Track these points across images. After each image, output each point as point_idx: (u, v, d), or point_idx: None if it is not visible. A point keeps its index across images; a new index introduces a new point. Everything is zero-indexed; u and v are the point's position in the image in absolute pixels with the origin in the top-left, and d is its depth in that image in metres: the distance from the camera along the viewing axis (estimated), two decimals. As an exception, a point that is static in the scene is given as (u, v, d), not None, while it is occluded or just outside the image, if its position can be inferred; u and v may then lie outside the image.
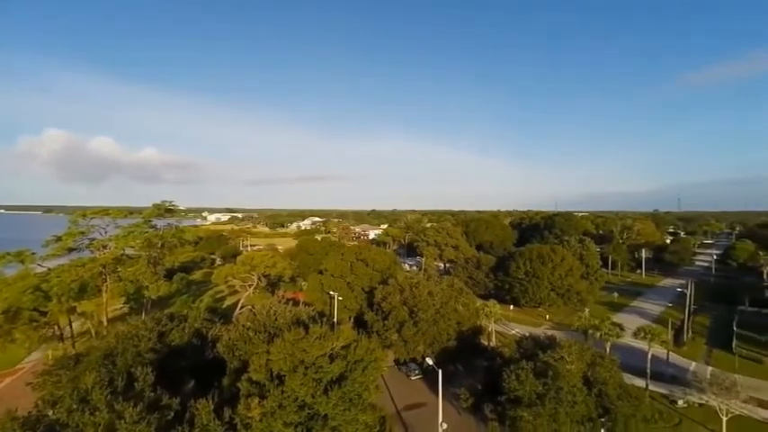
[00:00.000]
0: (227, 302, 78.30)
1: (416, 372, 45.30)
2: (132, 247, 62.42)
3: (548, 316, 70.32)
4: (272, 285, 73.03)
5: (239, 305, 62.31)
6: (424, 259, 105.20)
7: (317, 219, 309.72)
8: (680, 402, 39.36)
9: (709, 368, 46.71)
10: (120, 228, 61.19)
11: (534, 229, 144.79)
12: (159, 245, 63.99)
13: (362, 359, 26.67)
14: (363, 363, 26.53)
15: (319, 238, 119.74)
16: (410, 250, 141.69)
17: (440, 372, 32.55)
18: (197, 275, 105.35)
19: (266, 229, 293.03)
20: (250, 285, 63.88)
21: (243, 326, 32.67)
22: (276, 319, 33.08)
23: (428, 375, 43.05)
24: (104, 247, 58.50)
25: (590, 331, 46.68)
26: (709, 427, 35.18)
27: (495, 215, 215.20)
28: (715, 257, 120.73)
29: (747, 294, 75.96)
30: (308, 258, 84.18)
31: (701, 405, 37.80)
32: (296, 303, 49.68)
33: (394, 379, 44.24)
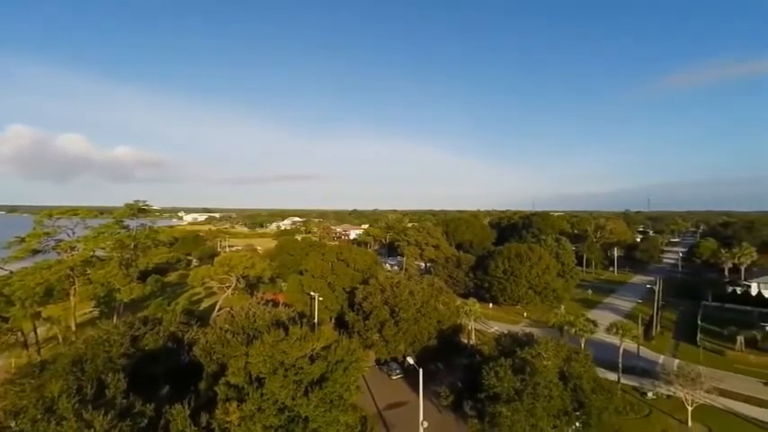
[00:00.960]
0: (205, 304, 76.41)
1: (397, 371, 45.48)
2: (103, 248, 60.01)
3: (525, 313, 71.94)
4: (252, 286, 71.83)
5: (217, 307, 60.92)
6: (404, 259, 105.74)
7: (297, 219, 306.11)
8: (649, 394, 41.08)
9: (676, 361, 48.92)
10: (90, 228, 58.73)
11: (513, 228, 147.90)
12: (132, 246, 61.79)
13: (343, 360, 26.57)
14: (344, 363, 26.44)
15: (299, 239, 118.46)
16: (391, 250, 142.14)
17: (420, 371, 32.81)
18: (172, 277, 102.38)
19: (245, 230, 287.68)
20: (228, 287, 62.54)
21: (221, 328, 31.96)
22: (255, 321, 32.51)
23: (409, 374, 43.29)
24: (72, 248, 55.98)
25: (566, 328, 48.10)
26: (675, 416, 36.88)
27: (475, 215, 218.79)
28: (681, 255, 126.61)
29: (710, 290, 79.93)
30: (288, 259, 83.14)
31: (668, 396, 39.60)
32: (275, 304, 48.95)
33: (375, 379, 44.27)
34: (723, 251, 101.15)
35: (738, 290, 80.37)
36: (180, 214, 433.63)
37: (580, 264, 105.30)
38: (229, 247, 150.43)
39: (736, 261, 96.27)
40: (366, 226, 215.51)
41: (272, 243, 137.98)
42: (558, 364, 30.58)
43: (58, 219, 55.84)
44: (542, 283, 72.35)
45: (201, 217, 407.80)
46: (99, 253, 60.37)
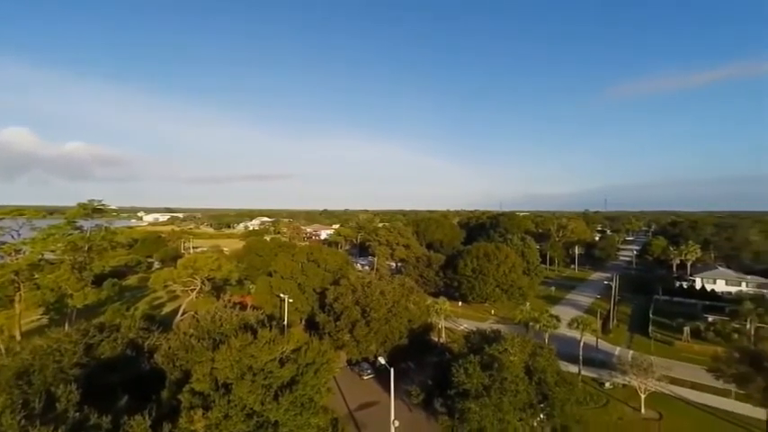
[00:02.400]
0: (167, 309, 73.09)
1: (369, 371, 45.47)
2: (53, 251, 55.97)
3: (493, 311, 74.00)
4: (218, 289, 69.24)
5: (180, 311, 58.43)
6: (376, 259, 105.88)
7: (266, 219, 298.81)
8: (607, 384, 43.48)
9: (631, 352, 52.08)
10: (38, 230, 54.61)
11: (481, 228, 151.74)
12: (86, 248, 58.04)
13: (314, 362, 26.25)
14: (315, 365, 26.12)
15: (268, 239, 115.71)
16: (362, 250, 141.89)
17: (392, 370, 32.98)
18: (132, 281, 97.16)
19: (211, 230, 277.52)
20: (192, 290, 60.10)
21: (184, 333, 30.65)
22: (222, 325, 31.44)
23: (380, 374, 43.40)
24: (17, 251, 51.88)
25: (531, 324, 50.08)
26: (630, 404, 39.25)
27: (445, 215, 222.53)
28: (635, 253, 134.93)
29: (661, 285, 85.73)
30: (257, 260, 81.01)
31: (624, 385, 42.08)
32: (243, 307, 47.62)
33: (346, 380, 44.05)
34: (672, 249, 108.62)
35: (685, 284, 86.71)
36: (140, 214, 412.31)
37: (544, 262, 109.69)
38: (194, 248, 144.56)
39: (683, 258, 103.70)
40: (337, 226, 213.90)
41: (239, 244, 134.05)
42: (524, 359, 31.69)
43: (0, 219, 51.56)
44: (509, 281, 74.72)
45: (163, 217, 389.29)
46: (48, 256, 56.29)
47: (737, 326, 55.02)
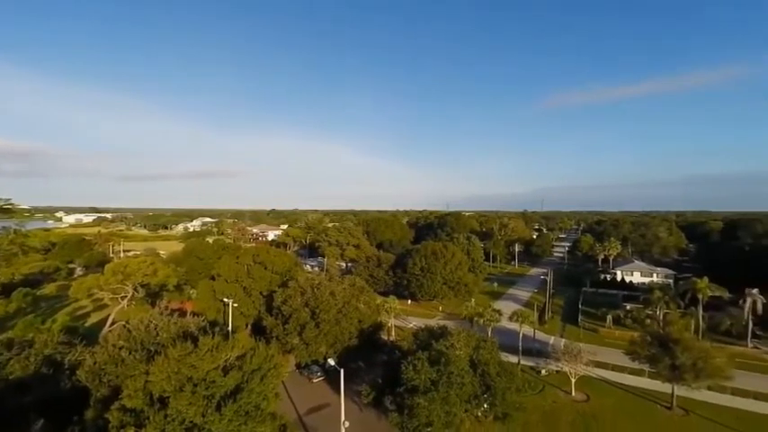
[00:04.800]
0: (93, 319, 66.33)
1: (318, 374, 44.87)
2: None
3: (440, 307, 76.51)
4: (153, 296, 64.16)
5: (109, 321, 53.26)
6: (326, 259, 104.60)
7: (208, 219, 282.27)
8: (543, 372, 46.94)
9: (563, 341, 56.67)
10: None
11: (429, 227, 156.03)
12: (-10, 254, 50.83)
13: (260, 368, 25.35)
14: (261, 371, 25.24)
15: (211, 241, 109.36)
16: (312, 250, 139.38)
17: (341, 371, 32.84)
18: (49, 290, 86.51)
19: (145, 232, 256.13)
20: (123, 297, 55.06)
21: (113, 346, 28.04)
22: (158, 335, 29.23)
23: (330, 376, 43.02)
24: None
25: (475, 318, 52.55)
26: (563, 388, 42.74)
27: (395, 215, 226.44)
28: (567, 249, 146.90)
29: (588, 278, 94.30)
30: (198, 263, 76.24)
31: (558, 372, 45.70)
32: (183, 314, 44.56)
33: (295, 383, 43.06)
34: (597, 245, 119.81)
35: (608, 277, 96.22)
36: (59, 215, 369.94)
37: (487, 259, 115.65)
38: (125, 251, 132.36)
39: (606, 253, 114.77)
40: (285, 226, 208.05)
41: (178, 246, 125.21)
42: (469, 352, 33.21)
43: None
44: (455, 279, 77.68)
45: (88, 218, 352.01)
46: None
47: (650, 312, 62.05)
